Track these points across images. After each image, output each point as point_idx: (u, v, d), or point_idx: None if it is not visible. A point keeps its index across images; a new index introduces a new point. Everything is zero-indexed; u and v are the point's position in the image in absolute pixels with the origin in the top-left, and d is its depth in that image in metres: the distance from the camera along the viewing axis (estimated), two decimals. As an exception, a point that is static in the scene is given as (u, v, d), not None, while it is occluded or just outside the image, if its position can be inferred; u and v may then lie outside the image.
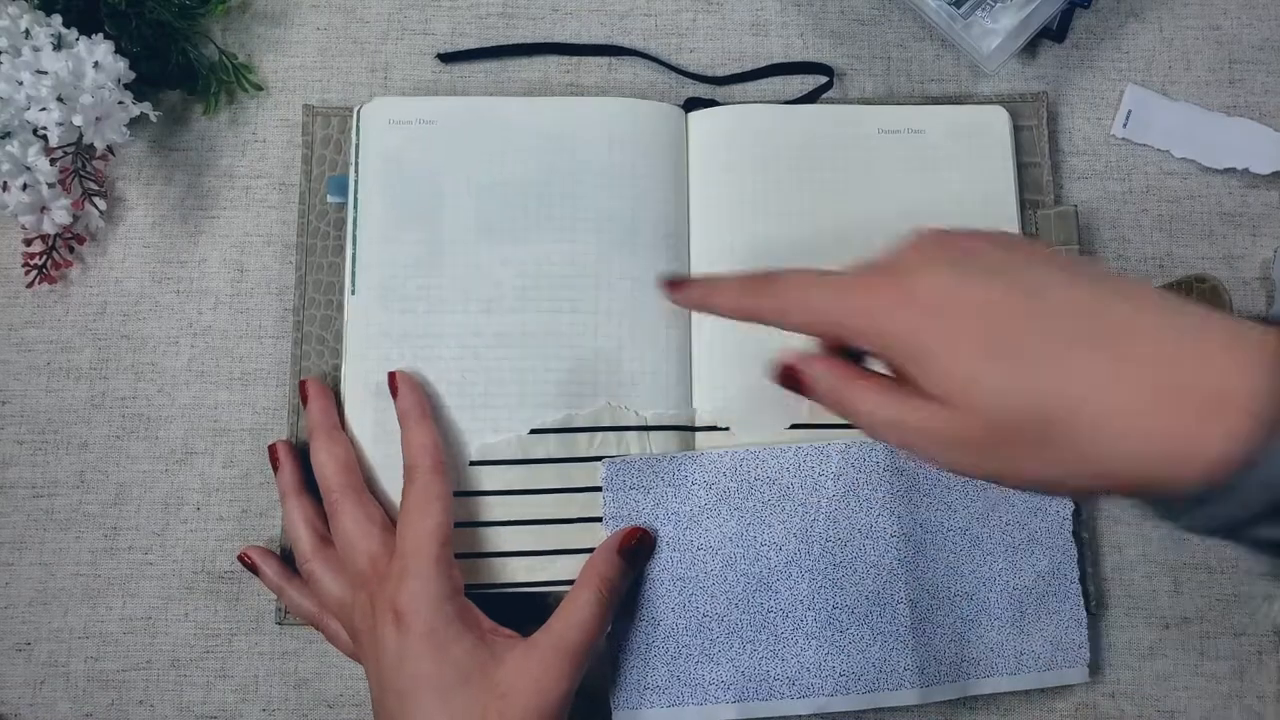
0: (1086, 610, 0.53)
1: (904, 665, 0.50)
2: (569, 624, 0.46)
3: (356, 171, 0.55)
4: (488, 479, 0.52)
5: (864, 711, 0.51)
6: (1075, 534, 0.53)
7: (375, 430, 0.52)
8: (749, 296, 0.39)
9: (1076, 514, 0.53)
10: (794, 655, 0.50)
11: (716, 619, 0.50)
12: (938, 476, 0.52)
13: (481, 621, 0.46)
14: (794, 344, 0.39)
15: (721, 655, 0.50)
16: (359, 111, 0.55)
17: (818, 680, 0.50)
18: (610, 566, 0.48)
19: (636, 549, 0.50)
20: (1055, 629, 0.52)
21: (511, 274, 0.54)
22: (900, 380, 0.35)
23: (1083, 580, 0.53)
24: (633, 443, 0.52)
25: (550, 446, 0.52)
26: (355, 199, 0.54)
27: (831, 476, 0.51)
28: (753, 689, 0.50)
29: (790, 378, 0.38)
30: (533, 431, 0.52)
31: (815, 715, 0.51)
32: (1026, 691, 0.53)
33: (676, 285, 0.42)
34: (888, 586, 0.51)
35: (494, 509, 0.51)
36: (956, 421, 0.33)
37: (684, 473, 0.51)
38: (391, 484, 0.51)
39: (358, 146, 0.55)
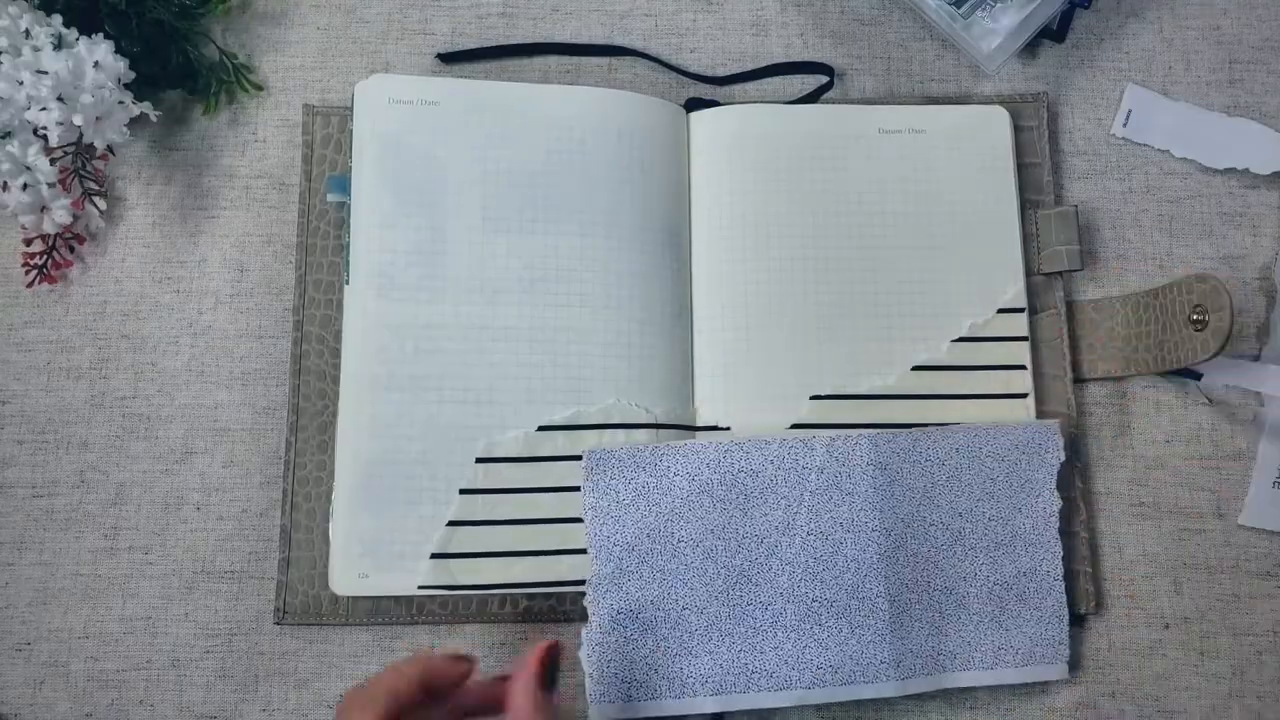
0: (1084, 611, 0.53)
1: (881, 659, 0.50)
2: None
3: (352, 153, 0.54)
4: (493, 477, 0.51)
5: (849, 704, 0.51)
6: (1062, 532, 0.53)
7: (372, 425, 0.51)
8: None
9: (1064, 512, 0.53)
10: (772, 648, 0.50)
11: (695, 611, 0.50)
12: (921, 470, 0.52)
13: None
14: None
15: (700, 648, 0.50)
16: (355, 88, 0.54)
17: (795, 673, 0.50)
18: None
19: (551, 671, 0.43)
20: (1036, 626, 0.52)
21: (519, 265, 0.53)
22: None
23: (1077, 579, 0.53)
24: (643, 440, 0.52)
25: (558, 444, 0.52)
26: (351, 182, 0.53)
27: (815, 470, 0.51)
28: (730, 681, 0.50)
29: None
30: (540, 428, 0.52)
31: (794, 707, 0.51)
32: (1026, 691, 0.53)
33: None
34: (867, 581, 0.51)
35: (498, 508, 0.51)
36: None
37: (666, 464, 0.51)
38: (390, 482, 0.51)
39: (353, 126, 0.54)
